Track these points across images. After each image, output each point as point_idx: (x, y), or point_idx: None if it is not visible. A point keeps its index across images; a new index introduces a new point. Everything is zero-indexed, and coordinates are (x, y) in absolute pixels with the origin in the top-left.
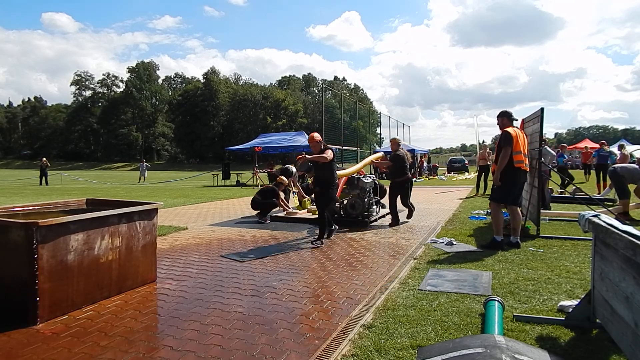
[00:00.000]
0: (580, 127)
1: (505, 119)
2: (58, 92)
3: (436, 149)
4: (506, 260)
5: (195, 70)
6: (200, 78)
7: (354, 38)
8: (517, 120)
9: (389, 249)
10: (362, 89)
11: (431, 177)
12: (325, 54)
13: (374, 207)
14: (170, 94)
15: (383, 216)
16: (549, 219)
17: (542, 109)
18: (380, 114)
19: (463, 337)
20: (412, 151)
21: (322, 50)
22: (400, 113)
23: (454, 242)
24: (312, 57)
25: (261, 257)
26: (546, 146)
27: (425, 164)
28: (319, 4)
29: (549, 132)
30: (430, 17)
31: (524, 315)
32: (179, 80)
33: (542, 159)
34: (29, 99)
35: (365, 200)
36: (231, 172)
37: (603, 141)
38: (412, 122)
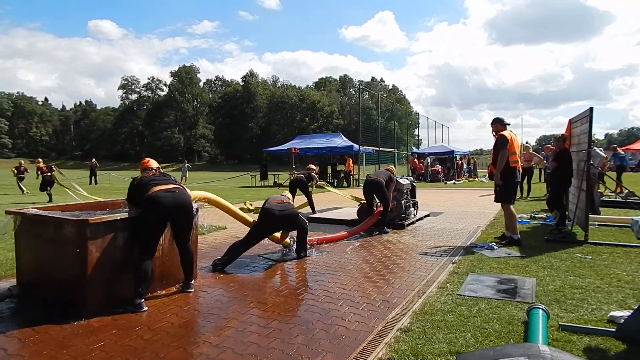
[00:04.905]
0: (633, 128)
1: (498, 124)
2: (105, 96)
3: (476, 150)
4: (551, 266)
5: (232, 73)
6: (239, 81)
7: (388, 38)
8: (509, 124)
9: (427, 252)
10: (400, 90)
11: (471, 179)
12: (360, 55)
13: (411, 209)
14: (210, 96)
15: (421, 218)
16: (598, 224)
17: (591, 109)
18: (418, 115)
19: (505, 345)
20: (452, 152)
21: (356, 52)
22: (438, 113)
23: (495, 247)
24: (347, 59)
25: (297, 257)
26: (595, 147)
27: (465, 166)
28: (351, 4)
29: (598, 132)
30: (467, 15)
31: (570, 324)
32: (219, 83)
33: (591, 161)
34: (80, 102)
35: (402, 202)
36: (269, 172)
37: (614, 145)
38: (450, 123)
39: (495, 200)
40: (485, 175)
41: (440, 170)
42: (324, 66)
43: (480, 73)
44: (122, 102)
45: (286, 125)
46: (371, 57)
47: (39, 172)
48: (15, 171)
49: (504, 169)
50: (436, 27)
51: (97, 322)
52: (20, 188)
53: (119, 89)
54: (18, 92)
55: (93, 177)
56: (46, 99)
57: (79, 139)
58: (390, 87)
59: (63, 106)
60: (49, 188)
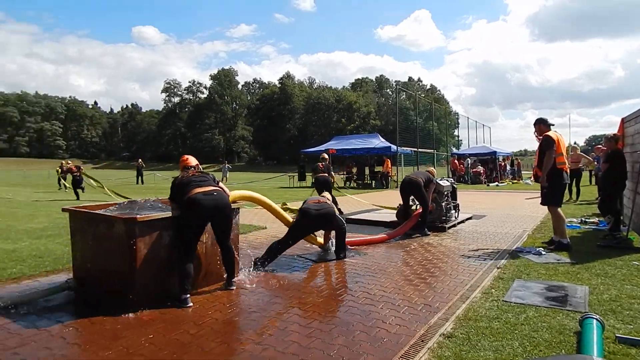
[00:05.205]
0: None
1: (542, 125)
2: (149, 99)
3: (520, 151)
4: (605, 274)
5: (269, 75)
6: (276, 83)
7: (425, 37)
8: (553, 125)
9: (470, 256)
10: (438, 90)
11: (515, 181)
12: (396, 55)
13: (452, 211)
14: (248, 98)
15: (462, 221)
16: None
17: None
18: (457, 114)
19: (556, 355)
20: (494, 153)
21: (392, 51)
22: (478, 113)
23: (543, 252)
24: (383, 59)
25: (337, 258)
26: None
27: (508, 167)
28: (387, 4)
29: None
30: (507, 12)
31: (628, 337)
32: (257, 85)
33: None
34: (127, 105)
35: (443, 204)
36: (306, 173)
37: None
38: (492, 123)
39: (542, 203)
40: (530, 177)
41: (482, 171)
42: (359, 67)
43: (522, 71)
44: (165, 104)
45: (323, 127)
46: (407, 56)
47: (70, 172)
48: (60, 170)
49: (550, 171)
50: (475, 24)
51: (146, 316)
52: (60, 184)
53: (162, 92)
54: (70, 97)
55: (140, 177)
56: (95, 103)
57: (126, 140)
58: (428, 86)
59: (111, 109)
60: (81, 186)
